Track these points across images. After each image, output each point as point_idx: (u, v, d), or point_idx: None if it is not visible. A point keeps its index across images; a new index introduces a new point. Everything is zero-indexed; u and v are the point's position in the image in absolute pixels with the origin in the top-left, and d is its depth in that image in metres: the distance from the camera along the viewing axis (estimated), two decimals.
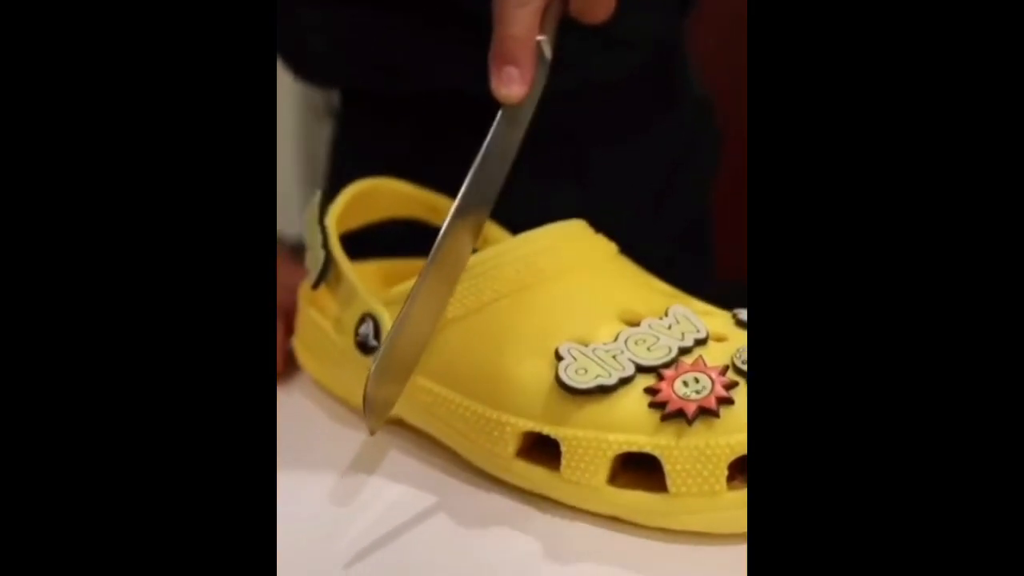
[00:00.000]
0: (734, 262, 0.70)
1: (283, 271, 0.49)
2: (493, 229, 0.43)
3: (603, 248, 0.37)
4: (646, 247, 0.43)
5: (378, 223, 0.46)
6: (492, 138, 0.34)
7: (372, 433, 0.33)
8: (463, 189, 0.34)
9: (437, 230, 0.34)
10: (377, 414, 0.33)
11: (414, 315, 0.33)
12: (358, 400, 0.33)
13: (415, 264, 0.48)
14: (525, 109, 0.35)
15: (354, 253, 0.41)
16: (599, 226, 0.39)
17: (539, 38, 0.35)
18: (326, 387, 0.42)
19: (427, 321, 0.33)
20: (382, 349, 0.32)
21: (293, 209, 0.65)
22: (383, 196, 0.44)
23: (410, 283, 0.34)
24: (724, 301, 0.37)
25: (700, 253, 0.66)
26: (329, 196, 0.42)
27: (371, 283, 0.46)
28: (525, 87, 0.34)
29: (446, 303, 0.34)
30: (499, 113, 0.35)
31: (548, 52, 0.35)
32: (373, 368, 0.32)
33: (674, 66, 0.60)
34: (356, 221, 0.43)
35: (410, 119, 0.57)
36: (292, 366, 0.44)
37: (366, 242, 0.46)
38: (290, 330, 0.44)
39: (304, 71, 0.58)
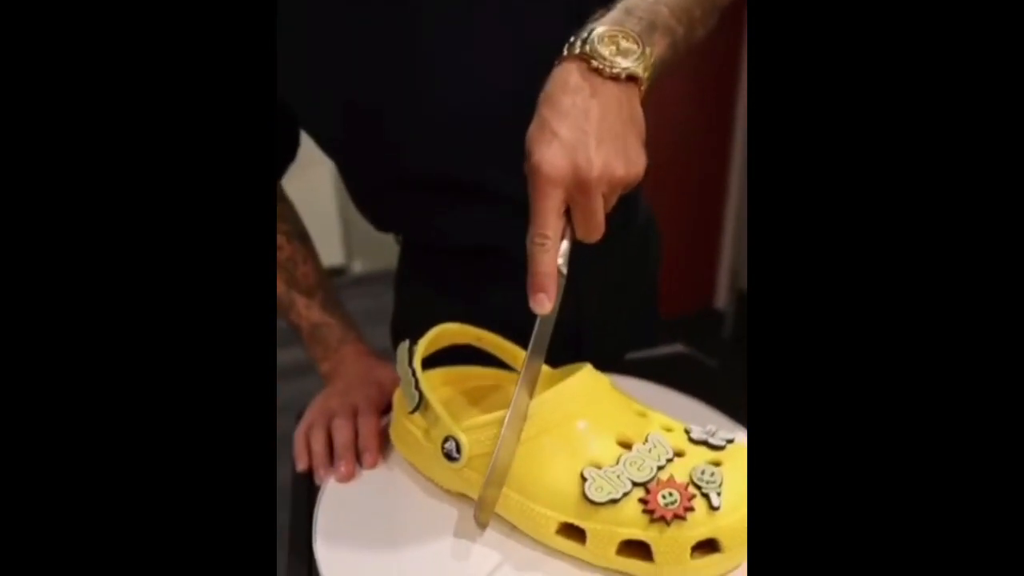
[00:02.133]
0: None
1: (379, 371, 0.68)
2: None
3: (604, 385, 0.56)
4: (615, 323, 0.65)
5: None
6: (536, 330, 0.51)
7: (483, 527, 0.52)
8: (524, 366, 0.52)
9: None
10: (486, 510, 0.52)
11: (505, 444, 0.51)
12: (441, 480, 0.53)
13: (468, 370, 0.67)
14: (553, 311, 0.51)
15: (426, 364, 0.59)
16: (586, 319, 0.65)
17: (558, 263, 0.49)
18: (417, 468, 0.61)
19: (510, 448, 0.52)
20: (490, 466, 0.51)
21: (334, 241, 0.85)
22: (447, 335, 0.62)
23: (481, 418, 0.52)
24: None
25: (649, 318, 0.94)
26: (400, 323, 0.62)
27: (437, 382, 0.65)
28: (551, 304, 0.49)
29: (519, 437, 0.52)
30: (538, 317, 0.51)
31: (564, 269, 0.50)
32: (485, 480, 0.51)
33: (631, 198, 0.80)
34: (430, 351, 0.61)
35: (447, 260, 0.81)
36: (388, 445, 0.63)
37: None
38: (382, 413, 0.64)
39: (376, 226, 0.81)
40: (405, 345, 0.58)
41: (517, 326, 0.62)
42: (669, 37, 0.55)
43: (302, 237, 0.80)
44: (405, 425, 0.59)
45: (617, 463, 0.50)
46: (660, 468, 0.50)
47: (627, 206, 0.71)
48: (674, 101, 2.77)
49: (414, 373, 0.56)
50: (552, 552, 0.52)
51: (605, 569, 0.51)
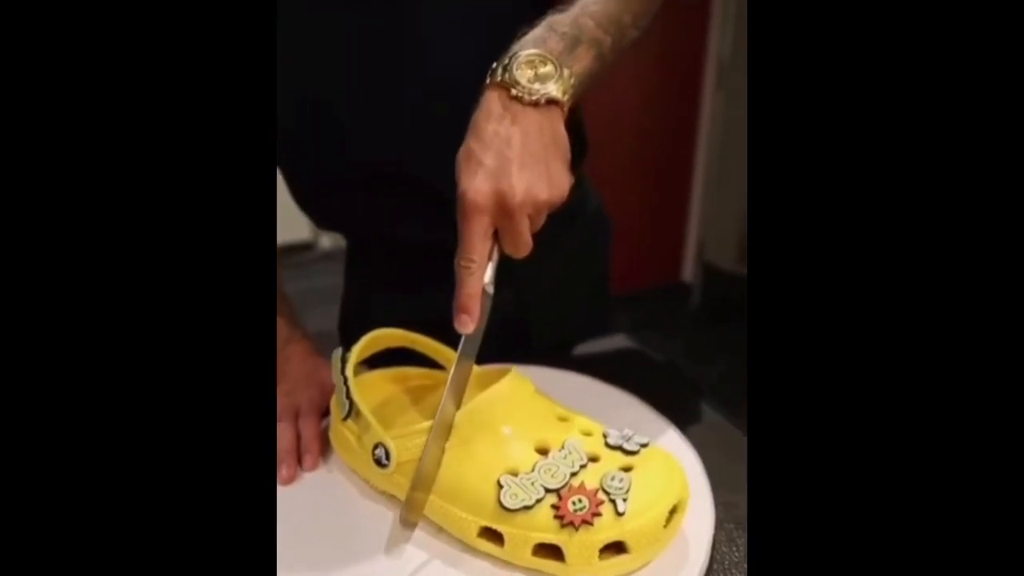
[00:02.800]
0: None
1: (323, 372, 0.70)
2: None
3: (527, 390, 0.59)
4: (564, 312, 0.69)
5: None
6: (462, 345, 0.55)
7: (410, 527, 0.56)
8: (450, 378, 0.55)
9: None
10: (414, 512, 0.55)
11: (430, 453, 0.54)
12: (375, 483, 0.57)
13: (409, 371, 0.70)
14: (478, 330, 0.54)
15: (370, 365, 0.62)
16: (533, 310, 0.70)
17: (484, 283, 0.52)
18: (353, 469, 0.64)
19: (435, 457, 0.55)
20: (417, 471, 0.54)
21: (302, 216, 0.85)
22: (381, 340, 0.65)
23: (408, 427, 0.55)
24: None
25: (601, 306, 0.95)
26: (346, 313, 0.71)
27: (381, 383, 0.68)
28: (474, 324, 0.53)
29: (444, 445, 0.55)
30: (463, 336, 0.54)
31: (491, 289, 0.53)
32: (411, 484, 0.54)
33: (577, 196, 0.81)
34: (364, 356, 0.64)
35: (391, 256, 0.82)
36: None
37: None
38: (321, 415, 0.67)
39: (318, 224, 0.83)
40: (338, 353, 0.61)
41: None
42: (595, 49, 0.57)
43: None
44: (340, 429, 0.62)
45: (533, 470, 0.53)
46: (573, 474, 0.53)
47: (572, 204, 0.72)
48: (640, 68, 2.78)
49: (346, 381, 0.59)
50: (476, 552, 0.55)
51: (524, 569, 0.54)
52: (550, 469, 0.53)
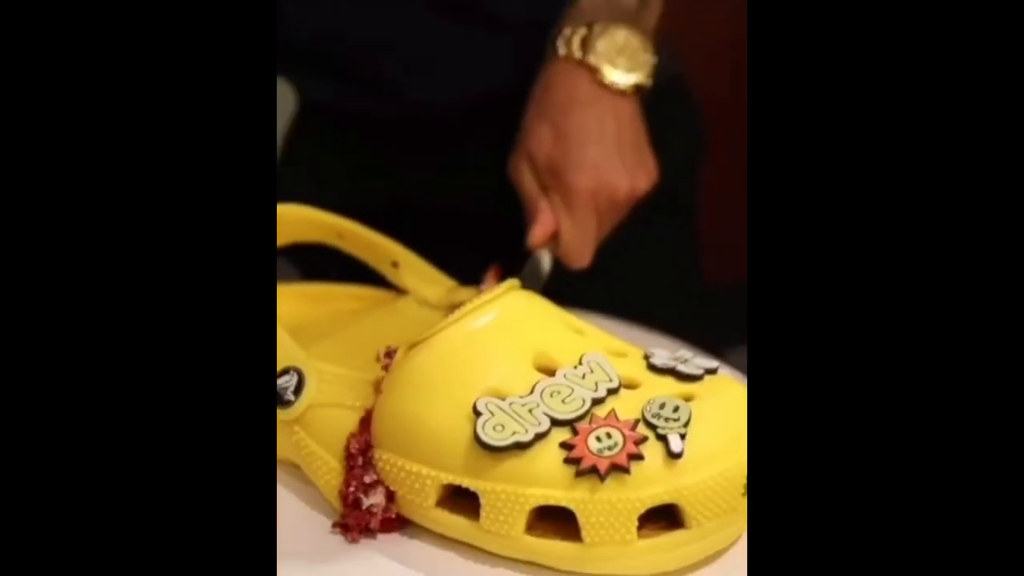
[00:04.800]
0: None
1: None
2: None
3: (528, 298, 0.38)
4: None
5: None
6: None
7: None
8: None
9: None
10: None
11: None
12: None
13: (333, 288, 0.50)
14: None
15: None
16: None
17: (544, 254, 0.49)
18: None
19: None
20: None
21: None
22: (295, 225, 0.45)
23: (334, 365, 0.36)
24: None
25: (680, 215, 0.70)
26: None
27: (294, 301, 0.48)
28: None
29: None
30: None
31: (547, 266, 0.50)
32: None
33: None
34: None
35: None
36: None
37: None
38: None
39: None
40: None
41: (438, 215, 0.62)
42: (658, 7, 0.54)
43: None
44: None
45: (532, 392, 0.33)
46: (597, 402, 0.33)
47: None
48: None
49: None
50: (428, 538, 0.35)
51: (511, 559, 0.33)
52: (559, 392, 0.33)
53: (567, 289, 0.47)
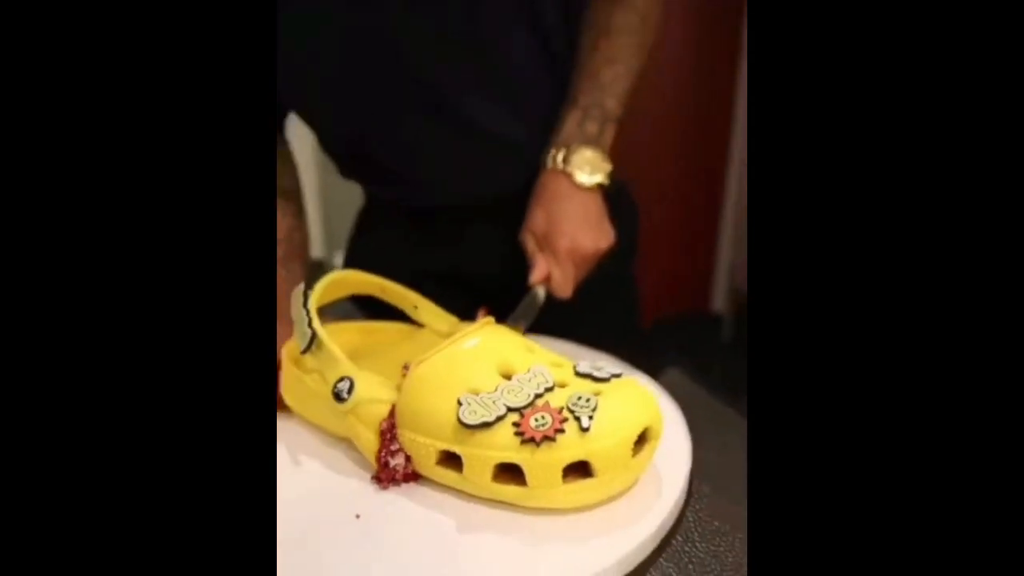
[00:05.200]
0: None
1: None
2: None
3: (497, 328, 0.56)
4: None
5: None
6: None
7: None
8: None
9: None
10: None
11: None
12: (327, 423, 0.55)
13: (376, 324, 0.68)
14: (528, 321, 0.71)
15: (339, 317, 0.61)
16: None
17: (540, 289, 0.73)
18: (303, 415, 0.61)
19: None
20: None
21: (316, 235, 0.87)
22: (347, 283, 0.63)
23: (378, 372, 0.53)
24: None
25: (624, 301, 0.98)
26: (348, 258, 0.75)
27: (346, 333, 0.66)
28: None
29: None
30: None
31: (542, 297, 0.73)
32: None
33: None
34: (332, 298, 0.62)
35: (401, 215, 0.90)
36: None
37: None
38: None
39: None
40: (300, 288, 0.59)
41: (462, 282, 0.87)
42: (617, 123, 0.77)
43: (289, 195, 0.84)
44: (293, 372, 0.60)
45: (496, 390, 0.51)
46: (538, 396, 0.50)
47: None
48: (673, 96, 2.79)
49: (308, 313, 0.57)
50: (437, 486, 0.53)
51: (486, 499, 0.51)
52: (514, 390, 0.50)
53: (551, 319, 0.72)
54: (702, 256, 3.11)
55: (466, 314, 0.71)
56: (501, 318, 0.63)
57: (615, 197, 0.79)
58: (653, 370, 0.70)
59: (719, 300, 3.13)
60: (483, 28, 0.74)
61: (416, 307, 0.70)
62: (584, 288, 0.77)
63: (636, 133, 2.69)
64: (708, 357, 2.84)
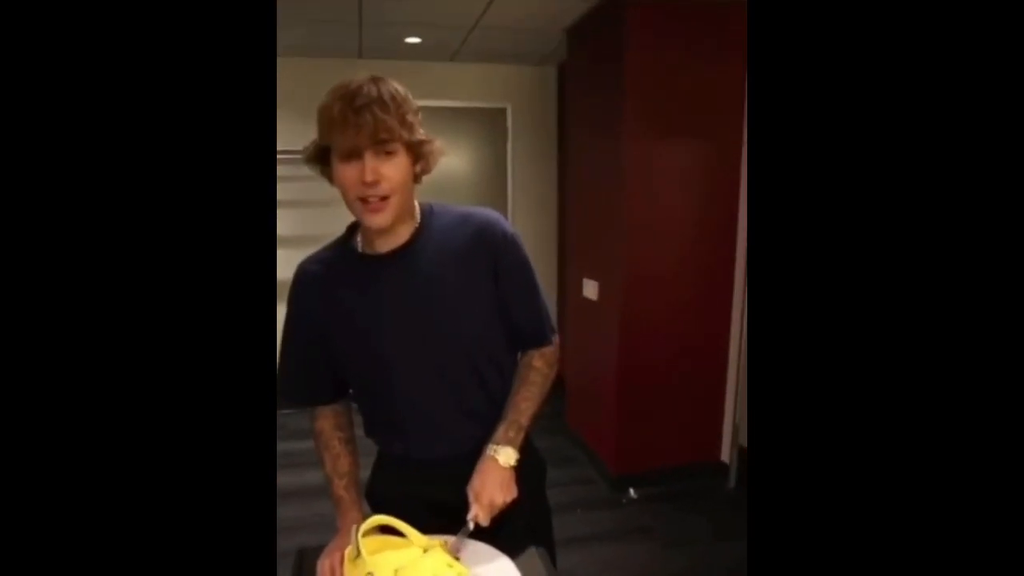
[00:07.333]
0: None
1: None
2: None
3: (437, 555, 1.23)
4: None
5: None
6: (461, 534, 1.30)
7: None
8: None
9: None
10: None
11: None
12: None
13: (395, 540, 1.35)
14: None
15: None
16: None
17: (471, 520, 1.32)
18: None
19: None
20: None
21: None
22: (380, 520, 1.30)
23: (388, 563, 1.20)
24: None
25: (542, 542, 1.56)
26: (370, 496, 1.47)
27: (378, 544, 1.33)
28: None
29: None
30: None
31: (472, 526, 1.31)
32: None
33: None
34: (368, 529, 1.29)
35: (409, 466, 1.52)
36: None
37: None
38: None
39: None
40: (356, 527, 1.25)
41: (450, 512, 1.34)
42: (524, 431, 1.40)
43: (350, 441, 1.50)
44: (350, 568, 1.26)
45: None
46: None
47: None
48: (681, 272, 3.43)
49: (358, 541, 1.23)
50: None
51: None
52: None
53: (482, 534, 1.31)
54: (710, 413, 3.66)
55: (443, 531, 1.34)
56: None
57: (524, 463, 1.38)
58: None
59: (726, 452, 3.65)
60: (452, 387, 1.38)
61: (420, 540, 1.31)
62: (503, 514, 1.35)
63: (643, 293, 3.32)
64: (716, 500, 3.38)
